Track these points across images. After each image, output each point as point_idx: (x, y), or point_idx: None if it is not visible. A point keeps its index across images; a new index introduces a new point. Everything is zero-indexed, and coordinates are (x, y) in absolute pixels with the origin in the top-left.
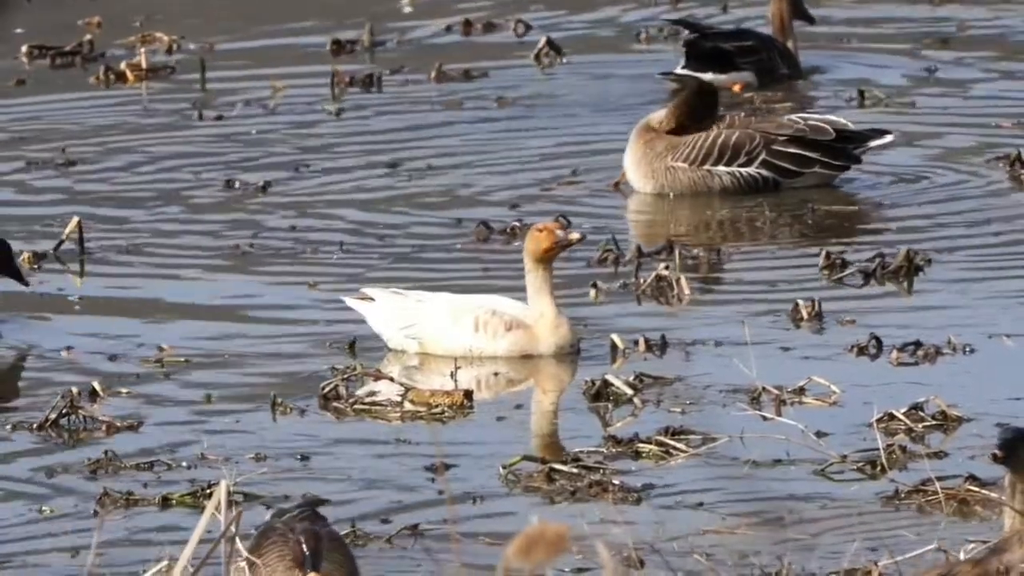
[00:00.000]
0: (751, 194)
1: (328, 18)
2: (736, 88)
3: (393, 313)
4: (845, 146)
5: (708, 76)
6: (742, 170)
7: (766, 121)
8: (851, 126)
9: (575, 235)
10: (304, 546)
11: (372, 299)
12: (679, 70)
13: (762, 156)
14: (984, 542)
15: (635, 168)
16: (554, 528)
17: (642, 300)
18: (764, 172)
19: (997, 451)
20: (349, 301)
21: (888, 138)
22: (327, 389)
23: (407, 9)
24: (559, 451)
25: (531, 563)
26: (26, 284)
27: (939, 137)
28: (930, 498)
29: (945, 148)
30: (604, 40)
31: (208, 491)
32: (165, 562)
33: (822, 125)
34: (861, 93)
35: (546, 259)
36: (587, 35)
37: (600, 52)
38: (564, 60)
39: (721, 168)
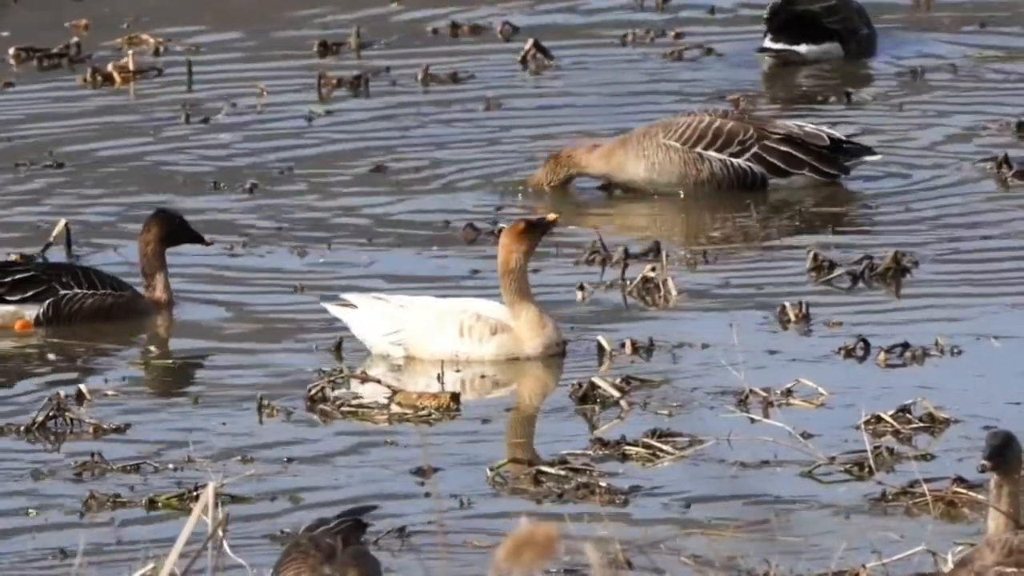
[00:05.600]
0: (738, 189)
1: (315, 20)
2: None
3: (377, 320)
4: (837, 156)
5: (802, 48)
6: (733, 160)
7: (762, 120)
8: (845, 139)
9: (551, 216)
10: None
11: (354, 306)
12: (769, 43)
13: (754, 149)
14: (971, 544)
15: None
16: (543, 531)
17: (629, 302)
18: (754, 166)
19: (986, 462)
20: (332, 309)
21: (877, 157)
22: (314, 391)
23: (393, 5)
24: (546, 454)
25: (521, 566)
26: (208, 243)
27: (926, 139)
28: (917, 500)
29: (932, 150)
30: (590, 42)
31: (195, 493)
32: (151, 565)
33: (818, 132)
34: (847, 95)
35: (532, 250)
36: (573, 37)
37: (587, 54)
38: (551, 62)
39: (712, 153)
